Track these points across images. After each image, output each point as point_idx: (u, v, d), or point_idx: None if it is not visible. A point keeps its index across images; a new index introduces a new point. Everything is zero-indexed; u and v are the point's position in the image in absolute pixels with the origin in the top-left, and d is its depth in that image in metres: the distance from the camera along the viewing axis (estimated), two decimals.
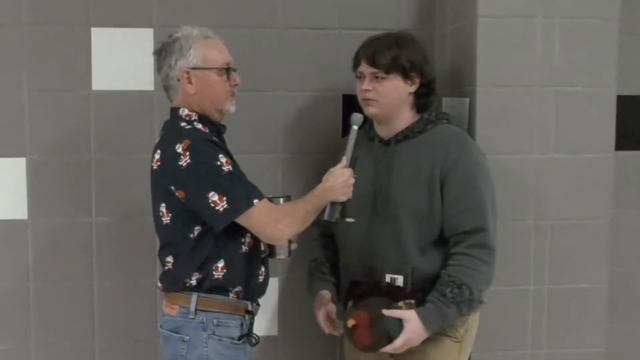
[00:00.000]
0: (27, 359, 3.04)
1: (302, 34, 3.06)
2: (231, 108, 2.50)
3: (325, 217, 2.47)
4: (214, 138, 2.41)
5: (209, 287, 2.41)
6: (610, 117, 2.87)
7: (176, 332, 2.44)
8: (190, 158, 2.31)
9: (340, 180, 2.46)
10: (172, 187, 2.36)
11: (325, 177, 2.48)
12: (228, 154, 2.40)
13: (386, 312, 2.51)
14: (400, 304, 2.56)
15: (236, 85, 2.50)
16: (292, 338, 3.16)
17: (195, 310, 2.41)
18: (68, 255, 3.02)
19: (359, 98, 2.66)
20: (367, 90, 2.62)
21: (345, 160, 2.51)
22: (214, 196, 2.31)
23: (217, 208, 2.31)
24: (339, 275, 2.79)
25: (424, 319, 2.49)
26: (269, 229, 2.36)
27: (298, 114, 3.08)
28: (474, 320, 2.70)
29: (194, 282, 2.41)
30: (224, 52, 2.48)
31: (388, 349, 2.52)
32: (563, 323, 2.92)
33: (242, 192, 2.34)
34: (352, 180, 2.48)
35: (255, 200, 2.33)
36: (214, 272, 2.40)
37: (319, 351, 3.16)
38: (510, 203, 2.82)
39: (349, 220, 2.51)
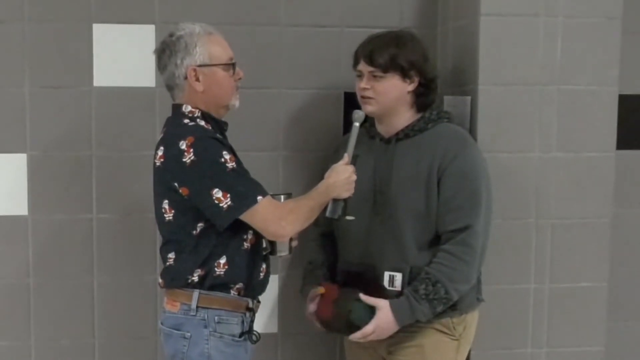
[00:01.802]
0: (27, 355, 3.03)
1: (304, 32, 3.05)
2: (236, 102, 2.51)
3: (327, 214, 2.48)
4: (218, 135, 2.41)
5: (210, 284, 2.41)
6: (612, 116, 2.88)
7: (177, 329, 2.44)
8: (194, 155, 2.31)
9: (342, 177, 2.46)
10: (176, 184, 2.35)
11: (327, 174, 2.49)
12: (232, 151, 2.40)
13: (363, 297, 2.53)
14: None
15: (240, 79, 2.51)
16: (292, 335, 3.15)
17: (197, 307, 2.41)
18: (68, 252, 3.02)
19: (358, 96, 2.67)
20: (365, 88, 2.62)
21: (347, 157, 2.51)
22: (217, 193, 2.31)
23: (221, 205, 2.31)
24: (335, 276, 2.78)
25: (394, 310, 2.52)
26: (273, 226, 2.36)
27: (299, 112, 3.07)
28: (472, 318, 2.70)
29: (195, 278, 2.41)
30: (227, 48, 2.48)
31: (358, 335, 2.54)
32: (563, 322, 2.92)
33: (246, 189, 2.34)
34: (355, 177, 2.49)
35: (259, 197, 2.34)
36: (215, 269, 2.40)
37: (318, 348, 3.16)
38: (511, 202, 2.83)
39: (349, 218, 2.52)
